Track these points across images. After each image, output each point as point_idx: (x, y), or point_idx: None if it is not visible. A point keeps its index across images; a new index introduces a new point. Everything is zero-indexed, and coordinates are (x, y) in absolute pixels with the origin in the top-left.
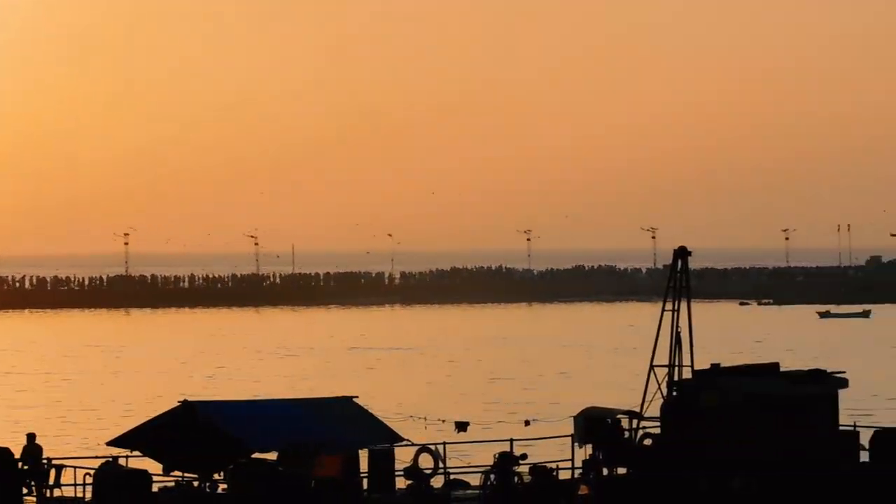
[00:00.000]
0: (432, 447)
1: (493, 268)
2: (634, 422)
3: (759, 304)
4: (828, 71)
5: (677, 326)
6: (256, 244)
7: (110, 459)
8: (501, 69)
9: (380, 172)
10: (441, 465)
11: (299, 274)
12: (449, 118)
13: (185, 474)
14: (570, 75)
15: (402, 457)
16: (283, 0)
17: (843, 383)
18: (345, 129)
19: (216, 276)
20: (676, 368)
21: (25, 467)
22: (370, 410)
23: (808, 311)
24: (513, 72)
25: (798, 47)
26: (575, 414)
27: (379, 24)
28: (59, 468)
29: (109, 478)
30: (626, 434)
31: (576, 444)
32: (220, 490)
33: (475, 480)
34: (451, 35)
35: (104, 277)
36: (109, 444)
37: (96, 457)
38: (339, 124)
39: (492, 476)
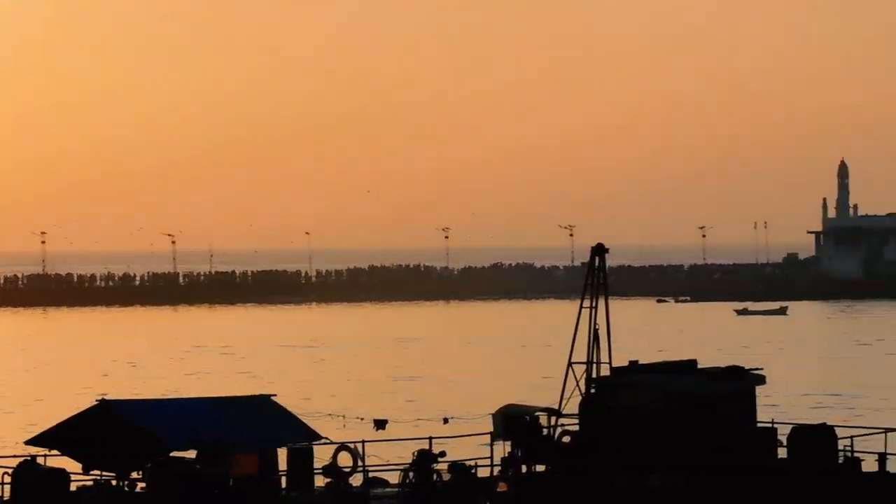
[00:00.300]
0: (351, 445)
1: (412, 266)
2: (553, 419)
3: (677, 301)
4: (743, 69)
5: (595, 324)
6: (174, 242)
7: (28, 459)
8: (419, 72)
9: (298, 172)
10: (360, 463)
11: (217, 272)
12: (367, 120)
13: (104, 473)
14: (488, 76)
15: (321, 455)
16: (187, 7)
17: (761, 380)
18: (265, 130)
19: (133, 274)
20: (594, 366)
21: None
22: (288, 409)
23: (725, 309)
24: (431, 73)
25: (710, 41)
26: (493, 411)
27: (299, 23)
28: None
29: (27, 477)
30: (545, 431)
31: (494, 441)
32: (138, 489)
33: (394, 478)
34: (369, 38)
35: (21, 276)
36: (27, 443)
37: (14, 456)
38: (258, 125)
39: (411, 474)
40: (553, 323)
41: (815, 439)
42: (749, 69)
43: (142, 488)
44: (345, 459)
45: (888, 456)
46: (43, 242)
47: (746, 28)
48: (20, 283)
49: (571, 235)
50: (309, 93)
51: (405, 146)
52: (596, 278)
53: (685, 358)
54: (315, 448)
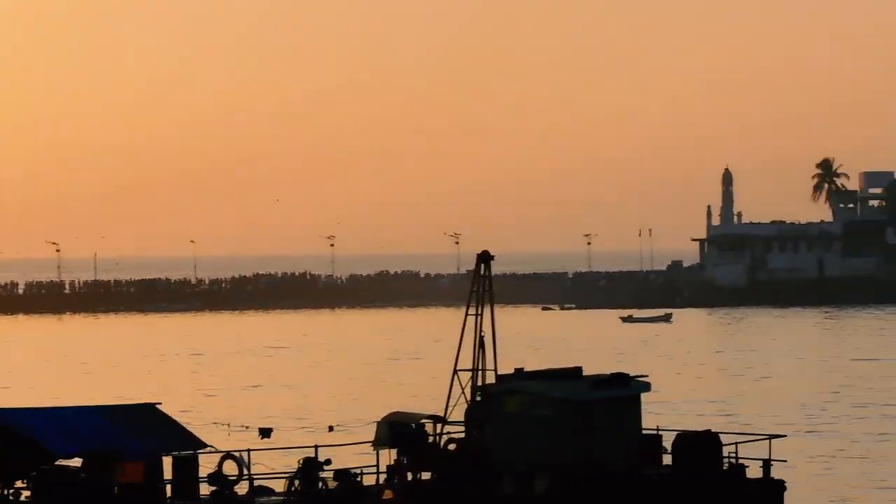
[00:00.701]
0: (236, 454)
1: (297, 273)
2: (438, 426)
3: (562, 308)
4: (628, 78)
5: (481, 331)
6: (58, 251)
7: None
8: (303, 71)
9: (183, 180)
10: (245, 471)
11: (100, 281)
12: (250, 122)
13: None
14: (374, 77)
15: (206, 463)
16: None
17: (646, 387)
18: (148, 135)
19: (13, 282)
20: (480, 373)
21: None
22: (173, 417)
23: (610, 316)
24: (317, 73)
25: (596, 46)
26: (379, 419)
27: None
28: None
29: None
30: (431, 439)
31: (377, 449)
32: (23, 497)
33: (280, 486)
34: (232, 40)
35: None
36: None
37: None
38: (147, 130)
39: (296, 482)
40: (439, 330)
41: (700, 446)
42: (634, 78)
43: (27, 497)
44: (230, 468)
45: (772, 462)
46: None
47: (634, 32)
48: None
49: (457, 243)
50: (197, 103)
51: (293, 151)
52: (481, 286)
53: (570, 365)
54: (200, 456)
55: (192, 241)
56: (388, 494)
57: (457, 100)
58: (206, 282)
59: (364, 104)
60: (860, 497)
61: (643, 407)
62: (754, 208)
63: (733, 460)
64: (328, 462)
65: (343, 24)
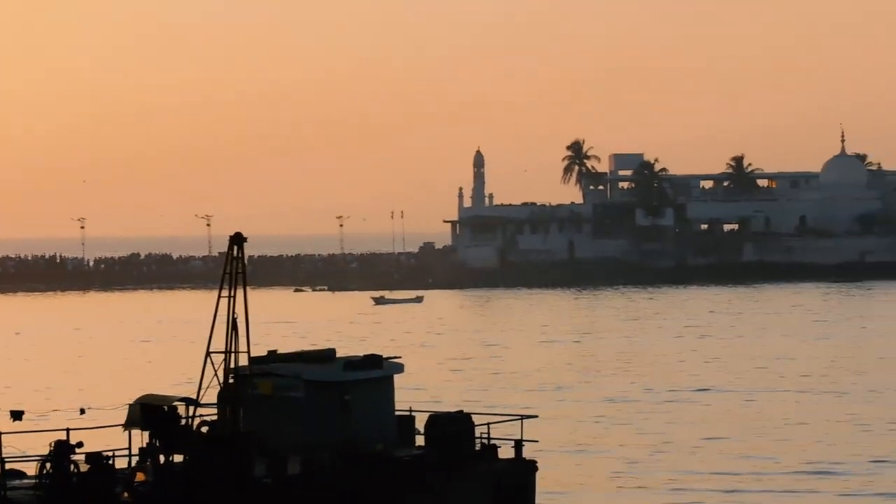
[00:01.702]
0: None
1: (48, 256)
2: (191, 409)
3: (314, 290)
4: (380, 56)
5: (234, 313)
6: None
7: None
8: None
9: None
10: None
11: None
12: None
13: None
14: (121, 62)
15: None
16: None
17: (399, 368)
18: None
19: None
20: (233, 355)
21: None
22: None
23: (363, 297)
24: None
25: (338, 27)
26: (131, 402)
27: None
28: None
29: None
30: (183, 421)
31: (129, 431)
32: None
33: (31, 470)
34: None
35: None
36: None
37: None
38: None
39: (48, 465)
40: (191, 313)
41: (453, 426)
42: (386, 56)
43: None
44: None
45: (524, 442)
46: None
47: (369, 16)
48: None
49: (209, 225)
50: None
51: (35, 129)
52: (234, 268)
53: (323, 347)
54: None
55: None
56: (140, 477)
57: (196, 82)
58: None
59: (106, 80)
60: (607, 478)
61: (396, 388)
62: (505, 190)
63: (486, 441)
64: (80, 445)
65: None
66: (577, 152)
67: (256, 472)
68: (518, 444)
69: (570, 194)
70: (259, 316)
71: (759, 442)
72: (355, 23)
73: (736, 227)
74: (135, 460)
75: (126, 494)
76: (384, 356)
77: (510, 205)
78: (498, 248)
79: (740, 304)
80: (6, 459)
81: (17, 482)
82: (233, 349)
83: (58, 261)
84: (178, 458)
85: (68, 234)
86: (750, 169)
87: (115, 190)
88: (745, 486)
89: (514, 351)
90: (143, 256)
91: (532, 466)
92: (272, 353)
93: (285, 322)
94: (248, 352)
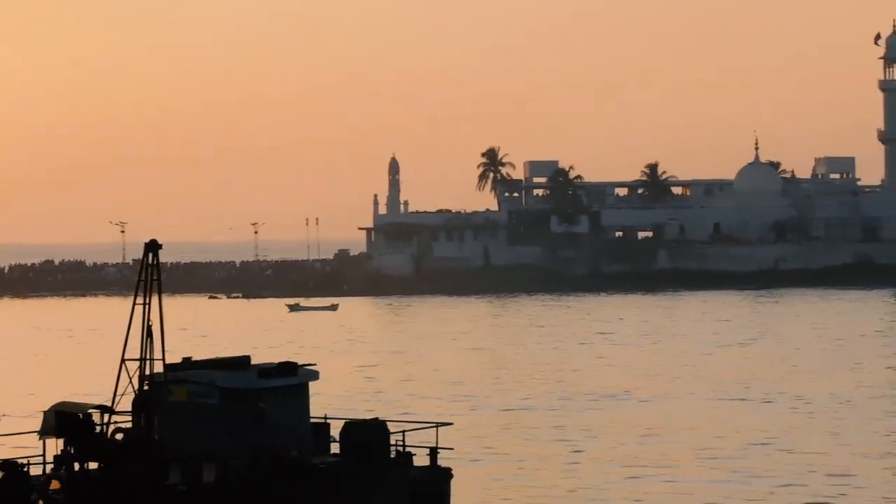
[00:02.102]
0: None
1: None
2: (106, 416)
3: (229, 297)
4: (305, 66)
5: (148, 320)
6: None
7: None
8: None
9: None
10: None
11: None
12: None
13: None
14: (46, 61)
15: None
16: None
17: (314, 375)
18: None
19: None
20: (148, 362)
21: None
22: None
23: (277, 304)
24: None
25: (268, 37)
26: (46, 409)
27: None
28: None
29: None
30: (98, 429)
31: (44, 438)
32: None
33: None
34: None
35: None
36: None
37: None
38: None
39: None
40: (105, 320)
41: (368, 434)
42: (302, 62)
43: None
44: None
45: (439, 450)
46: None
47: (312, 26)
48: None
49: (123, 232)
50: None
51: None
52: (149, 275)
53: (238, 354)
54: None
55: None
56: (54, 485)
57: (111, 85)
58: None
59: (28, 84)
60: (521, 484)
61: (311, 395)
62: (421, 197)
63: (401, 448)
64: None
65: None
66: (492, 159)
67: (171, 479)
68: (433, 452)
69: (486, 201)
70: (174, 323)
71: (667, 448)
72: (269, 26)
73: (650, 234)
74: (49, 468)
75: (41, 502)
76: (299, 363)
77: (425, 212)
78: (413, 256)
79: (652, 311)
80: None
81: None
82: (148, 356)
83: None
84: (93, 465)
85: None
86: (664, 176)
87: (27, 197)
88: (652, 490)
89: (428, 358)
90: (56, 263)
91: (447, 474)
92: (187, 360)
93: (200, 329)
94: (163, 359)
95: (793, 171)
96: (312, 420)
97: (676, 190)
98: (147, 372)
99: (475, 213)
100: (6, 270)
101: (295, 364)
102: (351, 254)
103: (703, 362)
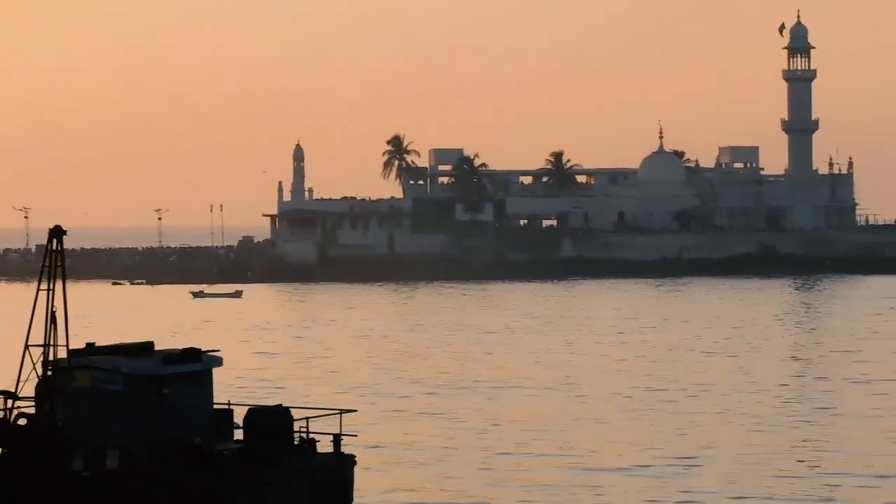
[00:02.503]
0: None
1: None
2: (9, 402)
3: (132, 283)
4: (199, 51)
5: (52, 306)
6: None
7: None
8: None
9: None
10: None
11: None
12: None
13: None
14: None
15: None
16: None
17: (218, 362)
18: None
19: None
20: (52, 348)
21: None
22: None
23: (181, 291)
24: None
25: (170, 19)
26: None
27: None
28: None
29: None
30: (1, 414)
31: None
32: None
33: None
34: None
35: None
36: None
37: None
38: None
39: None
40: (8, 306)
41: (271, 420)
42: (207, 46)
43: None
44: None
45: (342, 437)
46: None
47: (218, 14)
48: None
49: (27, 218)
50: None
51: None
52: (53, 261)
53: (142, 340)
54: None
55: None
56: None
57: (22, 71)
58: None
59: None
60: (426, 473)
61: (214, 382)
62: (325, 184)
63: (304, 435)
64: None
65: None
66: (397, 147)
67: (74, 465)
68: (337, 439)
69: (391, 189)
70: (77, 309)
71: (560, 436)
72: (176, 15)
73: (555, 222)
74: None
75: None
76: (203, 350)
77: (330, 199)
78: (317, 243)
79: (555, 300)
80: None
81: None
82: (51, 342)
83: None
84: None
85: None
86: (569, 165)
87: None
88: (536, 479)
89: (331, 346)
90: None
91: (350, 461)
92: (91, 345)
93: (103, 316)
94: (67, 344)
95: (697, 161)
96: (216, 406)
97: (581, 178)
98: (51, 357)
99: (380, 200)
100: None
101: (199, 350)
102: (255, 241)
103: (600, 351)
